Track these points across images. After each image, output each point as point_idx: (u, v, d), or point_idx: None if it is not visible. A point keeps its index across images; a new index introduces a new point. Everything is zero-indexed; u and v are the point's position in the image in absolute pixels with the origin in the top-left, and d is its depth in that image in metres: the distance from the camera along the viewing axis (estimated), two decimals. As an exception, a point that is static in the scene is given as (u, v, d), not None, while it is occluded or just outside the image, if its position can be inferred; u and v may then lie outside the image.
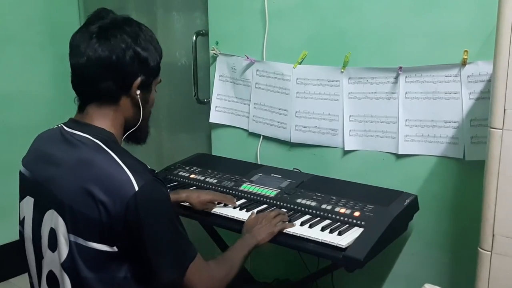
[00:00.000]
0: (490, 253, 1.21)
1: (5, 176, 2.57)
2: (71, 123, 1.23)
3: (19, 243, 1.31)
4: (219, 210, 1.67)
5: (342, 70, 1.83)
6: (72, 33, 1.25)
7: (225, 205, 1.69)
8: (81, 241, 1.11)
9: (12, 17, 2.53)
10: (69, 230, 1.12)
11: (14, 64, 2.56)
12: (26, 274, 1.33)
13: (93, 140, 1.16)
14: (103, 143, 1.15)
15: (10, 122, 2.57)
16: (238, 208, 1.67)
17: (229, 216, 1.63)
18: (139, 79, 1.18)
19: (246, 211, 1.65)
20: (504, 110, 1.14)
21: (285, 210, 1.64)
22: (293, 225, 1.53)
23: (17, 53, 2.57)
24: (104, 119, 1.19)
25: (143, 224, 1.09)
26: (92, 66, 1.14)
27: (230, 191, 1.80)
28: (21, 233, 1.29)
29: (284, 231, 1.50)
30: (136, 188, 1.07)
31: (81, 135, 1.17)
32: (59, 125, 1.25)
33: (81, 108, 1.23)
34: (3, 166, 2.55)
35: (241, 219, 1.59)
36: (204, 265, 1.22)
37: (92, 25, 1.17)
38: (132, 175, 1.09)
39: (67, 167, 1.14)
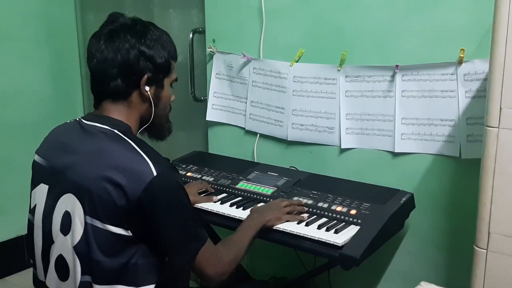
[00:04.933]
0: (485, 251, 1.21)
1: (1, 174, 2.56)
2: (90, 116, 1.29)
3: (27, 232, 1.33)
4: (216, 208, 1.67)
5: (339, 68, 1.83)
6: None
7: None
8: (98, 223, 1.14)
9: (8, 14, 2.52)
10: (86, 213, 1.15)
11: (9, 61, 2.55)
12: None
13: (112, 130, 1.21)
14: (122, 133, 1.21)
15: (5, 120, 2.56)
16: (235, 206, 1.67)
17: (226, 214, 1.63)
18: (145, 76, 1.24)
19: (243, 209, 1.65)
20: (500, 108, 1.14)
21: (304, 201, 1.64)
22: (303, 218, 1.54)
23: (13, 50, 2.55)
24: (119, 113, 1.26)
25: (159, 208, 1.13)
26: (101, 67, 1.22)
27: (227, 189, 1.80)
28: (30, 222, 1.31)
29: (281, 229, 1.50)
30: (155, 174, 1.13)
31: (100, 126, 1.23)
32: (77, 119, 1.30)
33: (97, 105, 1.29)
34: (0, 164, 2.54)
35: (237, 217, 1.59)
36: (214, 250, 1.26)
37: (103, 29, 1.25)
38: (151, 161, 1.14)
39: (87, 154, 1.19)
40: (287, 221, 1.53)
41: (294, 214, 1.57)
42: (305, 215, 1.58)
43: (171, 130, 1.41)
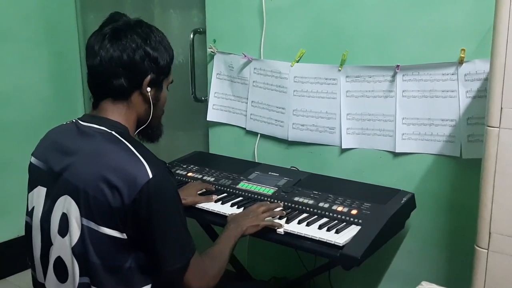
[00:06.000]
0: (486, 251, 1.21)
1: (1, 174, 2.56)
2: (87, 117, 1.28)
3: (25, 234, 1.33)
4: (216, 208, 1.67)
5: (340, 68, 1.83)
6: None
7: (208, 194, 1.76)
8: (93, 225, 1.14)
9: (8, 14, 2.52)
10: (82, 214, 1.15)
11: (10, 61, 2.55)
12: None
13: (109, 132, 1.21)
14: (119, 134, 1.20)
15: (6, 120, 2.57)
16: (236, 206, 1.67)
17: (226, 215, 1.63)
18: (149, 77, 1.24)
19: (244, 209, 1.64)
20: (501, 108, 1.14)
21: (281, 204, 1.64)
22: (280, 226, 1.51)
23: (13, 50, 2.55)
24: (118, 114, 1.25)
25: (154, 211, 1.13)
26: (105, 65, 1.21)
27: (228, 189, 1.80)
28: (28, 224, 1.31)
29: (282, 229, 1.50)
30: (150, 176, 1.12)
31: (97, 127, 1.22)
32: (73, 120, 1.29)
33: (95, 105, 1.28)
34: None
35: (238, 217, 1.59)
36: (200, 262, 1.25)
37: (105, 27, 1.23)
38: (147, 164, 1.14)
39: (83, 155, 1.19)
40: (265, 226, 1.50)
41: (273, 218, 1.54)
42: (283, 221, 1.54)
43: (162, 132, 1.42)
